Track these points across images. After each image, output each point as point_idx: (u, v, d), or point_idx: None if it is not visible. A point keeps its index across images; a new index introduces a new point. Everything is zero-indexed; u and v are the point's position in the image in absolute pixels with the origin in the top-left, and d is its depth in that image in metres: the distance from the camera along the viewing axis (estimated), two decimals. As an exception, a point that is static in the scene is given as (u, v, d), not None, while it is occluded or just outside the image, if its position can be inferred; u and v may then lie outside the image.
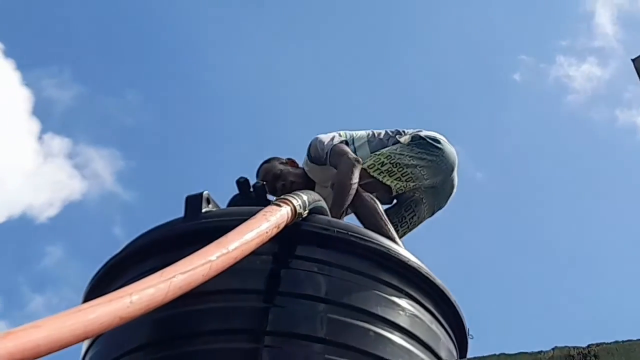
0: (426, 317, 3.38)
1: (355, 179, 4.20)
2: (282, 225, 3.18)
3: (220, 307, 3.15)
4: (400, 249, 3.50)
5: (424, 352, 3.26)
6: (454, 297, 3.50)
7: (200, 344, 3.12)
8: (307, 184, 4.70)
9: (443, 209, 4.75)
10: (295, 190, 4.60)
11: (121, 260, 3.50)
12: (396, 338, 3.22)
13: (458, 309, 3.52)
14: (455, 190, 4.72)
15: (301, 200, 3.35)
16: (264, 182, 4.11)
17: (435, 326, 3.39)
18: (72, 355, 3.29)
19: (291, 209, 3.27)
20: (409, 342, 3.24)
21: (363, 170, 4.33)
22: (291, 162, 4.79)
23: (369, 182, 4.31)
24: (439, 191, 4.63)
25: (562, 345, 1.90)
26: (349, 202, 4.16)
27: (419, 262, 3.48)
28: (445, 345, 3.39)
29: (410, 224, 4.61)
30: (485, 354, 1.96)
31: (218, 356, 3.07)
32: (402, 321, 3.27)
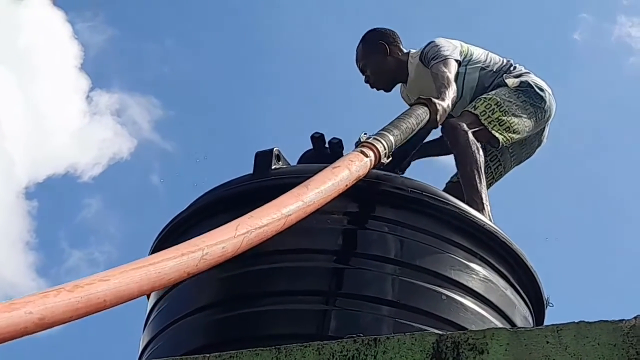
0: (501, 282, 3.27)
1: (477, 149, 3.99)
2: (362, 175, 3.07)
3: (288, 267, 3.08)
4: (473, 211, 3.38)
5: (498, 318, 3.16)
6: (531, 262, 3.38)
7: (268, 305, 3.06)
8: (395, 77, 4.59)
9: (530, 159, 4.58)
10: (375, 83, 4.51)
11: (188, 217, 3.44)
12: (469, 303, 3.12)
13: (535, 276, 3.40)
14: (545, 142, 4.54)
15: (388, 143, 3.22)
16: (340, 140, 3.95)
17: (510, 292, 3.28)
18: (139, 307, 3.25)
19: (375, 156, 3.15)
20: (482, 308, 3.14)
21: (474, 116, 4.17)
22: (386, 48, 4.54)
23: (478, 131, 4.11)
24: (528, 141, 4.46)
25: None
26: (483, 178, 3.94)
27: (494, 226, 3.36)
28: (520, 312, 3.28)
29: (496, 174, 4.43)
30: (563, 322, 1.86)
31: (286, 317, 3.00)
32: (476, 286, 3.17)
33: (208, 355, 2.00)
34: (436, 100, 3.74)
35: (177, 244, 3.38)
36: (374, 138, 3.22)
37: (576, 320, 1.85)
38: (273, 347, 1.98)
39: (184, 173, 14.40)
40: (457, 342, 1.90)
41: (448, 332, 1.93)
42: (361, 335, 2.02)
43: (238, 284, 3.09)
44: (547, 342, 1.84)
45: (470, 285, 3.16)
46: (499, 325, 3.15)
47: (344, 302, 3.04)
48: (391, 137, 3.28)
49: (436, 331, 1.98)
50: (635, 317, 1.81)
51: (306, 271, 3.10)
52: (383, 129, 3.36)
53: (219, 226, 3.29)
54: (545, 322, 3.41)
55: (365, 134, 3.30)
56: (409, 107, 3.77)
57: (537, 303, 3.44)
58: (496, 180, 4.47)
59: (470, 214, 3.31)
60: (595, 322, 1.84)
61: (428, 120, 3.67)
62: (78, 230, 15.04)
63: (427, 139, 4.11)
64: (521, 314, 3.28)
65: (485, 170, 4.23)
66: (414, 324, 2.96)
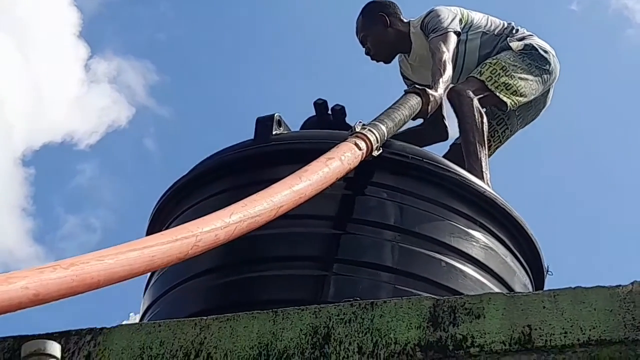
0: (501, 250, 3.27)
1: (481, 116, 3.98)
2: (353, 167, 3.08)
3: (287, 233, 3.07)
4: (474, 178, 3.38)
5: (498, 286, 3.16)
6: (531, 230, 3.38)
7: (268, 270, 3.06)
8: (396, 48, 4.56)
9: (534, 122, 4.56)
10: (375, 56, 4.47)
11: (190, 181, 3.44)
12: (468, 270, 3.12)
13: (535, 243, 3.40)
14: (549, 103, 4.53)
15: (380, 135, 3.20)
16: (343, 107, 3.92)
17: (510, 260, 3.28)
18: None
19: (367, 148, 3.14)
20: (481, 275, 3.14)
21: (480, 82, 4.15)
22: (385, 19, 4.50)
23: (484, 97, 4.09)
24: (534, 103, 4.44)
25: (642, 279, 1.79)
26: (485, 145, 3.92)
27: (495, 193, 3.35)
28: (520, 279, 3.28)
29: (503, 137, 4.42)
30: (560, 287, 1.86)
31: (284, 283, 3.00)
32: (475, 253, 3.17)
33: (206, 317, 2.00)
34: (430, 91, 3.72)
35: (177, 208, 3.42)
36: (368, 129, 3.20)
37: (573, 286, 1.85)
38: (270, 310, 1.98)
39: (180, 139, 14.40)
40: (454, 307, 1.90)
41: (445, 297, 1.93)
42: (358, 298, 2.02)
43: (237, 250, 3.09)
44: (544, 307, 1.84)
45: (470, 252, 3.15)
46: (498, 292, 3.16)
47: (342, 268, 3.04)
48: (384, 129, 3.26)
49: (433, 296, 1.97)
50: (632, 283, 1.81)
51: (304, 237, 3.10)
52: (376, 119, 3.33)
53: (220, 191, 3.33)
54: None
55: (360, 122, 3.27)
56: (403, 93, 3.73)
57: (536, 271, 3.44)
58: (502, 143, 4.46)
59: (470, 180, 3.31)
60: (591, 287, 1.84)
61: (419, 111, 3.66)
62: (73, 196, 15.05)
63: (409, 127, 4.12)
64: (521, 282, 3.28)
65: (492, 134, 4.23)
66: (412, 291, 2.96)
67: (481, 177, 3.62)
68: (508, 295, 1.87)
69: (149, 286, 3.33)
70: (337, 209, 3.19)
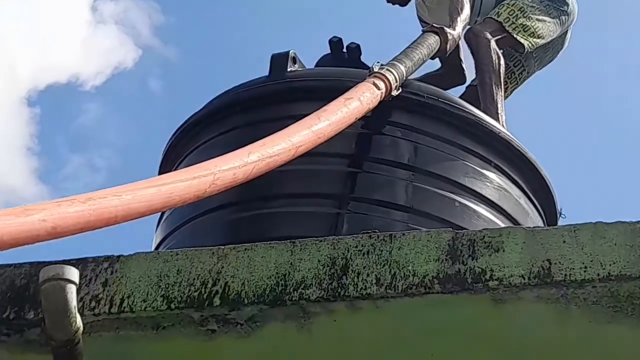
0: (515, 191, 3.26)
1: (498, 58, 3.95)
2: (373, 107, 3.05)
3: (302, 170, 3.06)
4: (489, 118, 3.36)
5: (511, 227, 3.16)
6: (545, 172, 3.37)
7: (282, 206, 3.06)
8: None
9: (552, 63, 4.54)
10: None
11: (203, 118, 3.43)
12: (482, 210, 3.12)
13: (549, 185, 3.39)
14: (567, 45, 4.50)
15: (399, 75, 3.17)
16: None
17: (523, 201, 3.28)
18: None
19: (386, 88, 3.11)
20: (495, 215, 3.14)
21: (498, 24, 4.12)
22: None
23: (502, 38, 4.07)
24: (552, 45, 4.41)
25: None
26: (501, 87, 3.90)
27: (510, 134, 3.34)
28: (533, 221, 3.27)
29: (520, 79, 4.40)
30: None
31: (299, 219, 3.00)
32: (489, 193, 3.16)
33: (223, 247, 2.00)
34: (448, 30, 3.68)
35: (191, 144, 3.41)
36: (387, 69, 3.16)
37: (593, 221, 1.84)
38: (288, 241, 1.98)
39: (185, 80, 14.31)
40: (473, 240, 1.89)
41: (464, 231, 1.92)
42: (377, 231, 2.02)
43: (252, 185, 3.07)
44: (564, 242, 1.83)
45: (483, 192, 3.15)
46: (511, 233, 3.16)
47: (356, 206, 3.04)
48: (402, 68, 3.23)
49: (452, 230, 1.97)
50: (653, 218, 1.80)
51: (320, 174, 3.09)
52: (395, 59, 3.30)
53: (233, 127, 3.31)
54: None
55: (378, 62, 3.24)
56: (421, 33, 3.69)
57: (550, 213, 3.43)
58: (519, 85, 4.44)
59: (486, 121, 3.29)
60: (612, 222, 1.83)
61: (438, 50, 3.62)
62: (78, 136, 15.00)
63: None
64: (534, 223, 3.27)
65: (509, 76, 4.21)
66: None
67: (496, 118, 3.61)
68: (528, 229, 1.86)
69: (162, 220, 3.33)
70: (352, 147, 3.18)
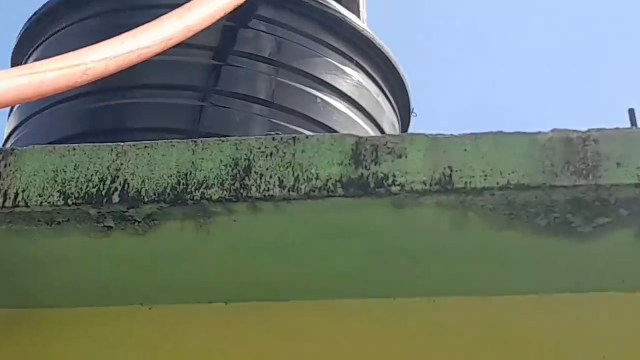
0: (373, 88, 3.31)
1: None
2: (242, 1, 3.01)
3: (164, 61, 2.99)
4: (351, 15, 3.38)
5: (368, 124, 3.22)
6: (403, 71, 3.43)
7: (143, 97, 3.00)
8: None
9: None
10: None
11: (60, 4, 3.29)
12: (342, 107, 3.16)
13: (406, 84, 3.46)
14: None
15: None
16: None
17: (381, 99, 3.34)
18: None
19: None
20: (354, 112, 3.19)
21: None
22: None
23: None
24: None
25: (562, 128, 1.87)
26: None
27: (371, 32, 3.37)
28: (389, 119, 3.35)
29: None
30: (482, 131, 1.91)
31: (160, 110, 2.96)
32: (349, 90, 3.20)
33: (122, 144, 1.96)
34: None
35: (48, 30, 3.28)
36: None
37: (494, 131, 1.90)
38: (190, 140, 1.95)
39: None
40: (376, 145, 1.92)
41: (367, 136, 1.95)
42: (280, 133, 2.02)
43: (113, 75, 3.01)
44: (465, 150, 1.88)
45: (344, 89, 3.18)
46: (369, 129, 3.22)
47: (218, 99, 3.02)
48: None
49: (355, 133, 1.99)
50: (552, 130, 1.87)
51: (182, 66, 3.04)
52: None
53: (94, 15, 3.20)
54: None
55: None
56: None
57: (404, 111, 3.51)
58: None
59: (348, 17, 3.30)
60: (513, 132, 1.88)
61: None
62: None
63: None
64: (389, 120, 3.35)
65: None
66: (288, 125, 2.99)
67: (358, 15, 3.63)
68: (430, 136, 1.90)
69: (15, 108, 3.21)
70: (216, 40, 3.13)
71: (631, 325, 2.02)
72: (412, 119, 3.58)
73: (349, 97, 3.19)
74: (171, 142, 1.96)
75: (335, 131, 3.05)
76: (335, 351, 2.10)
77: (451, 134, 1.91)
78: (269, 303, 2.15)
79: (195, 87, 3.04)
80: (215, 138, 1.97)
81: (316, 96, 3.10)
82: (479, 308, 2.08)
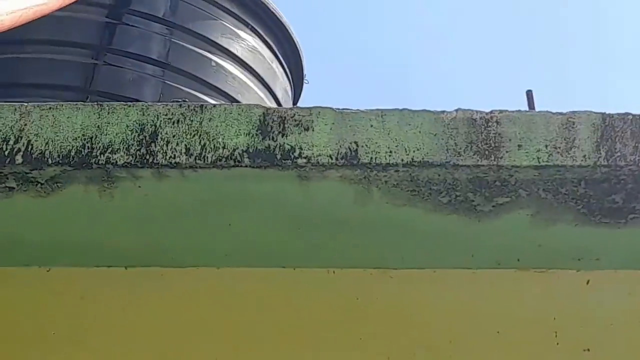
0: (267, 54, 3.32)
1: None
2: None
3: (57, 17, 2.94)
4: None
5: (262, 89, 3.24)
6: (297, 38, 3.45)
7: (34, 52, 2.94)
8: None
9: None
10: None
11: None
12: (236, 72, 3.16)
13: (300, 51, 3.48)
14: None
15: None
16: None
17: (275, 65, 3.35)
18: None
19: None
20: (248, 77, 3.20)
21: None
22: None
23: None
24: None
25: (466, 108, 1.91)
26: None
27: (267, -4, 3.38)
28: (282, 84, 3.37)
29: None
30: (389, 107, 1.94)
31: (54, 67, 2.91)
32: (244, 55, 3.21)
33: (26, 104, 1.92)
34: None
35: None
36: None
37: (400, 108, 1.93)
38: (95, 104, 1.93)
39: None
40: (284, 117, 1.94)
41: (274, 107, 1.96)
42: (187, 100, 2.02)
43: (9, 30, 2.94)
44: (371, 126, 1.91)
45: (238, 54, 3.19)
46: (262, 95, 3.23)
47: (112, 58, 2.99)
48: None
49: (262, 105, 2.00)
50: (456, 110, 1.92)
51: (77, 23, 3.00)
52: None
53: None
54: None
55: None
56: None
57: (297, 78, 3.53)
58: None
59: (245, -18, 3.30)
60: (419, 110, 1.92)
61: None
62: None
63: None
64: (282, 87, 3.36)
65: None
66: (181, 87, 2.99)
67: None
68: (337, 110, 1.92)
69: None
70: (111, -3, 3.09)
71: (525, 302, 2.09)
72: (305, 86, 3.61)
73: (244, 61, 3.20)
74: (76, 104, 1.93)
75: (229, 95, 3.06)
76: (233, 318, 2.12)
77: (358, 109, 1.94)
78: (170, 269, 2.15)
79: (89, 45, 3.00)
80: (122, 103, 1.95)
81: (210, 59, 3.10)
82: (377, 281, 2.13)
